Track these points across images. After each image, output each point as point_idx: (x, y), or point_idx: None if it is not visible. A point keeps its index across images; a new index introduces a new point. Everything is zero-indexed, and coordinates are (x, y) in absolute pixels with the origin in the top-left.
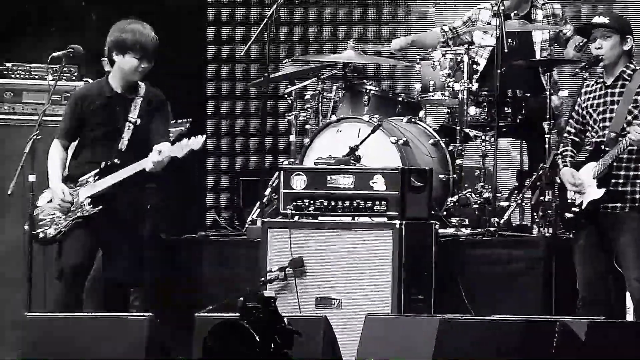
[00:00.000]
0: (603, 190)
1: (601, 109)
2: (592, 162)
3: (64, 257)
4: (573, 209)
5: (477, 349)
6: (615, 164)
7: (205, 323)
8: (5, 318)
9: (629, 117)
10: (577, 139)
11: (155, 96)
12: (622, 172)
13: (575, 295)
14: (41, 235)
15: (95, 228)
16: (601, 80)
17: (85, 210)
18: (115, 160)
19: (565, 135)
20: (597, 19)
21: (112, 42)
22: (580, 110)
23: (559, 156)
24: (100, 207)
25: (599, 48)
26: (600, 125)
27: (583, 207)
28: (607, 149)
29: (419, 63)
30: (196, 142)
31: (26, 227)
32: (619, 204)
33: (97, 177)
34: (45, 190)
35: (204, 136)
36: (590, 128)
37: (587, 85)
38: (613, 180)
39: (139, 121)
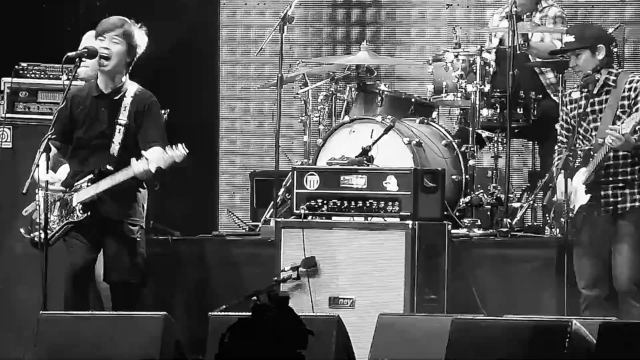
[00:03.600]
0: (589, 196)
1: (590, 117)
2: (583, 168)
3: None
4: (570, 214)
5: (489, 349)
6: (611, 169)
7: (219, 323)
8: (21, 317)
9: (618, 123)
10: (571, 146)
11: (143, 98)
12: (620, 177)
13: None
14: (36, 239)
15: (88, 231)
16: (586, 90)
17: (76, 216)
18: (108, 167)
19: (559, 144)
20: (564, 39)
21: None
22: (568, 119)
23: (554, 167)
24: (88, 212)
25: (574, 66)
26: (593, 134)
27: (575, 211)
28: (595, 154)
29: (431, 64)
30: (178, 154)
31: (22, 230)
32: (610, 208)
33: (90, 184)
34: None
35: (182, 145)
36: (581, 137)
37: (571, 95)
38: (611, 185)
39: (128, 123)
